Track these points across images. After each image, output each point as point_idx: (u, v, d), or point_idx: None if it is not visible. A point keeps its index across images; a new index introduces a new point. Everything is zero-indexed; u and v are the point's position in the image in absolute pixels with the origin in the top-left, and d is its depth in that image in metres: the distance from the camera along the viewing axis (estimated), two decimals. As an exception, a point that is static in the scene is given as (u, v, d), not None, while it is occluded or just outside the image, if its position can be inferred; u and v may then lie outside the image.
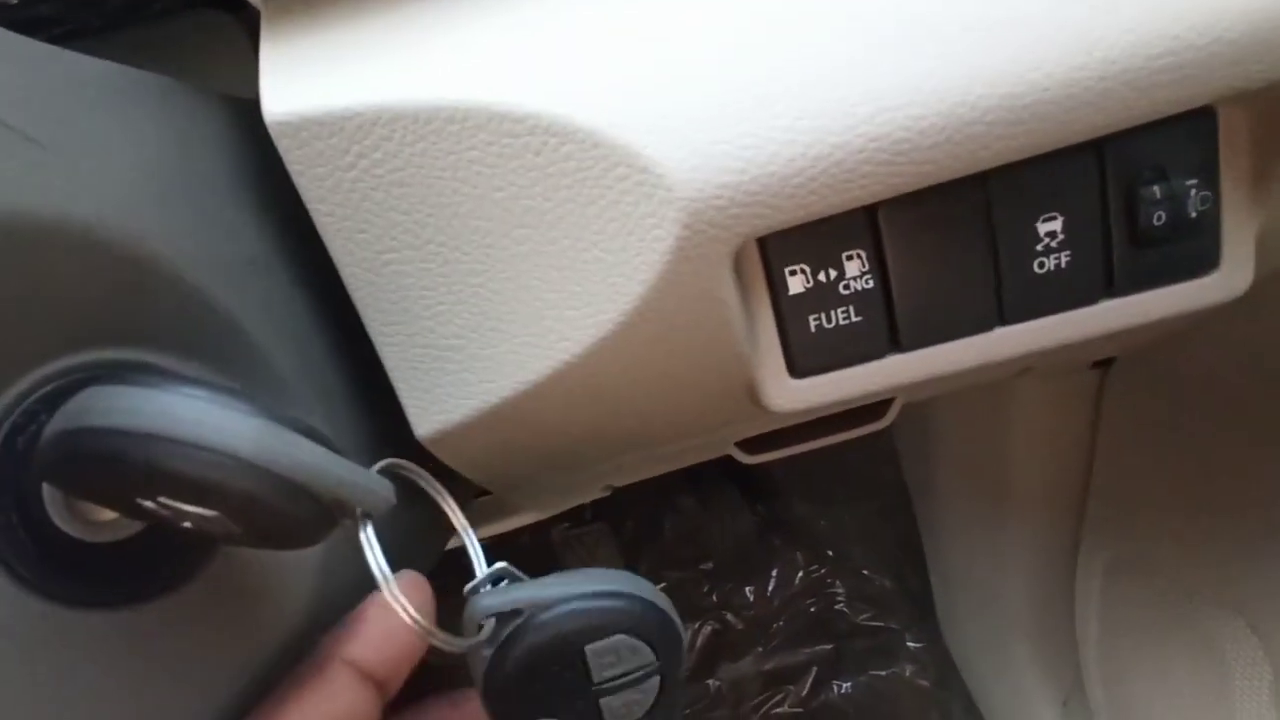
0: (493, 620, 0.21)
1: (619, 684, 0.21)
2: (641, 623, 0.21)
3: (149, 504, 0.15)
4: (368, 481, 0.17)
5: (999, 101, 0.19)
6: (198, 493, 0.15)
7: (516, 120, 0.20)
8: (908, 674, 0.74)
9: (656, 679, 0.22)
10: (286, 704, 0.19)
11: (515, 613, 0.21)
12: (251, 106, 0.22)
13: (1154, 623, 0.46)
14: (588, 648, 0.21)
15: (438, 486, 0.22)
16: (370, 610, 0.20)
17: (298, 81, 0.21)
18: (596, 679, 0.21)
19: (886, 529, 0.78)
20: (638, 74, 0.20)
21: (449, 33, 0.21)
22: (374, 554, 0.19)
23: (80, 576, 0.17)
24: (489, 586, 0.22)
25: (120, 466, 0.14)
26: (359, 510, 0.18)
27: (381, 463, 0.21)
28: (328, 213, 0.21)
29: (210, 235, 0.20)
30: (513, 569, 0.22)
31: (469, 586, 0.22)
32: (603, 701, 0.21)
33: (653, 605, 0.22)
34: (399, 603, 0.19)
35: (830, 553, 0.78)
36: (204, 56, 0.27)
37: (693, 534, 0.79)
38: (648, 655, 0.22)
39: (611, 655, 0.21)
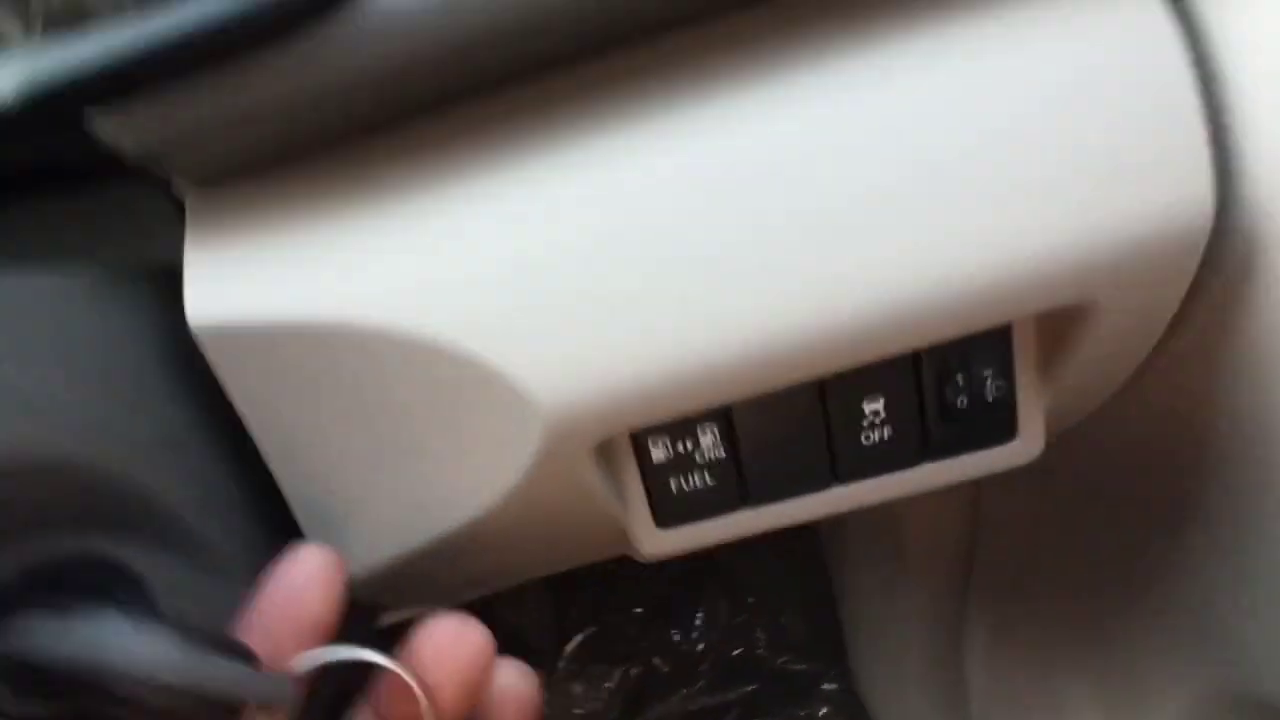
0: None
1: None
2: None
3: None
4: (274, 688, 0.20)
5: (831, 334, 0.23)
6: (121, 706, 0.18)
7: (396, 343, 0.23)
8: (821, 714, 0.78)
9: None
10: None
11: None
12: (177, 279, 0.23)
13: (1022, 687, 0.51)
14: None
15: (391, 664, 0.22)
16: None
17: (218, 291, 0.23)
18: None
19: (807, 577, 0.82)
20: (503, 297, 0.23)
21: (347, 251, 0.23)
22: None
23: None
24: None
25: (53, 686, 0.17)
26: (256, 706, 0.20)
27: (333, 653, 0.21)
28: (246, 402, 0.24)
29: (131, 422, 0.22)
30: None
31: None
32: None
33: None
34: None
35: (751, 599, 0.82)
36: (134, 222, 0.29)
37: (623, 580, 0.83)
38: None
39: None
